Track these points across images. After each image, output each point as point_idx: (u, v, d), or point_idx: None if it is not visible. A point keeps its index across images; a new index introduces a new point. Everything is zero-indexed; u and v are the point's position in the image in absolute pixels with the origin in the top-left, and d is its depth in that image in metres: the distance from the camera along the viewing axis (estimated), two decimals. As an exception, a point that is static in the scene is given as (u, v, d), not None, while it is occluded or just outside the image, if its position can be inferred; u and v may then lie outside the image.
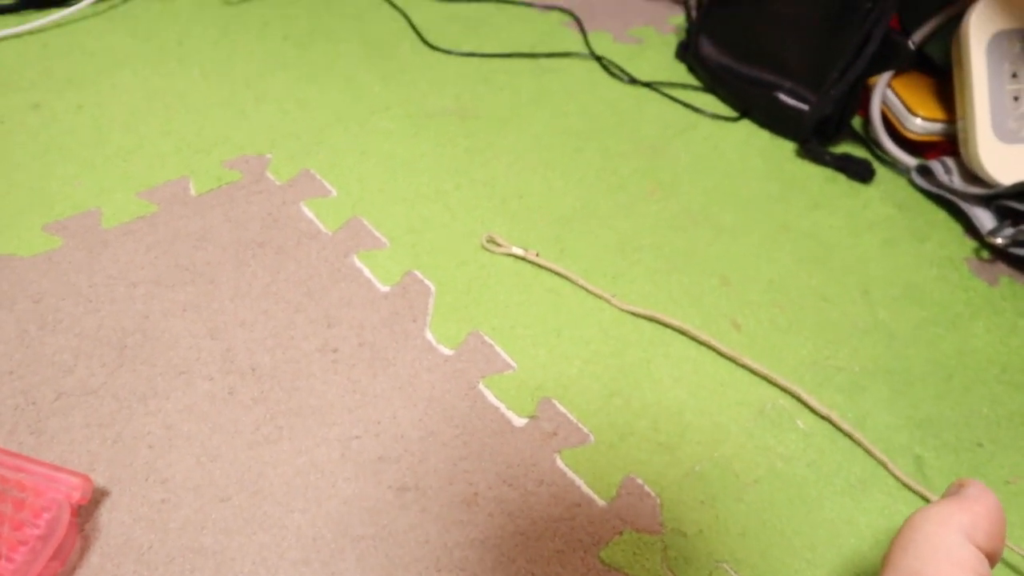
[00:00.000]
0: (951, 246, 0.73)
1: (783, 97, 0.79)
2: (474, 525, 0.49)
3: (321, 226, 0.65)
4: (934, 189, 0.76)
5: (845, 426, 0.57)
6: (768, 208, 0.73)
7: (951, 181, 0.75)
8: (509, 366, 0.58)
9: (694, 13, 0.87)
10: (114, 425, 0.52)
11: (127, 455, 0.50)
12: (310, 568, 0.46)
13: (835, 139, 0.81)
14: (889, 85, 0.80)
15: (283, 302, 0.60)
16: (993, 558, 0.39)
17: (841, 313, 0.65)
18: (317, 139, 0.73)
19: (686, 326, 0.61)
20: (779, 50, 0.79)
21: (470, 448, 0.53)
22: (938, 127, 0.78)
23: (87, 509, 0.47)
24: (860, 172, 0.77)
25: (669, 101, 0.84)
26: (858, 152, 0.81)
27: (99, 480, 0.49)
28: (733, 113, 0.83)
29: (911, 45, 0.71)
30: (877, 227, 0.73)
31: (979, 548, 0.38)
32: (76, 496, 0.46)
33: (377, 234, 0.65)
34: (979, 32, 0.72)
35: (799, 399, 0.58)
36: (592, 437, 0.54)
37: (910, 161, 0.79)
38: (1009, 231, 0.70)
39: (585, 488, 0.52)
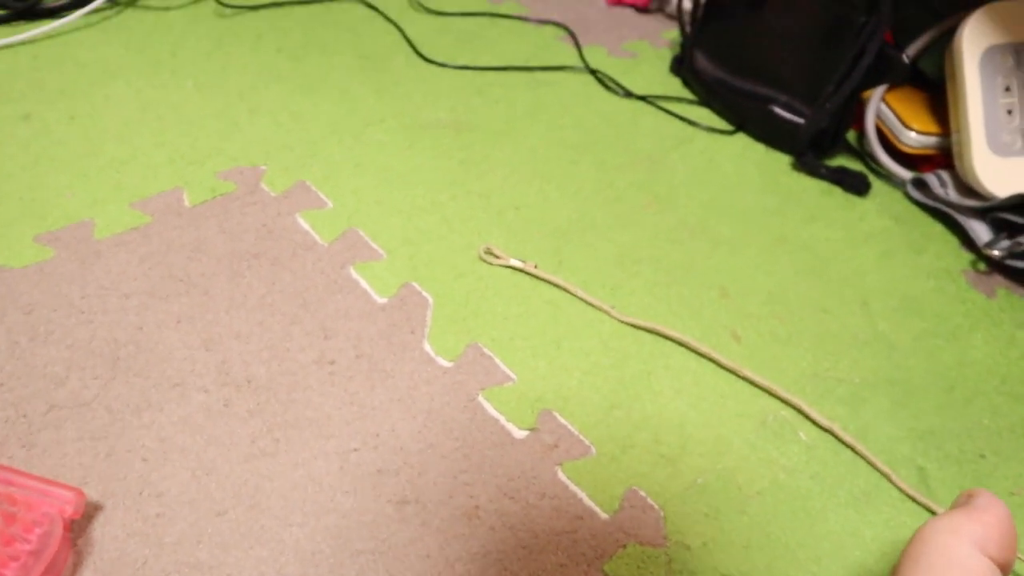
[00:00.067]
0: (948, 258, 0.73)
1: (778, 110, 0.80)
2: (475, 539, 0.48)
3: (317, 237, 0.65)
4: (930, 202, 0.77)
5: (847, 438, 0.56)
6: (765, 220, 0.73)
7: (947, 194, 0.75)
8: (509, 378, 0.57)
9: (688, 27, 0.87)
10: (107, 438, 0.50)
11: (121, 469, 0.49)
12: (309, 583, 0.45)
13: (830, 152, 0.81)
14: (883, 99, 0.80)
15: (279, 314, 0.59)
16: (1005, 569, 0.38)
17: (840, 325, 0.65)
18: (312, 151, 0.73)
19: (686, 338, 0.60)
20: (774, 64, 0.79)
21: (470, 461, 0.52)
22: (932, 140, 0.78)
23: (80, 524, 0.46)
24: (856, 185, 0.77)
25: (664, 114, 0.84)
26: (853, 165, 0.81)
27: (92, 494, 0.48)
28: (728, 126, 0.83)
29: (905, 59, 0.72)
30: (874, 239, 0.73)
31: (991, 559, 0.37)
32: (69, 510, 0.45)
33: (374, 246, 0.65)
34: (972, 46, 0.73)
35: (801, 411, 0.58)
36: (593, 449, 0.54)
37: (905, 174, 0.79)
38: (1005, 243, 0.70)
39: (587, 501, 0.51)
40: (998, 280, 0.71)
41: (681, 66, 0.89)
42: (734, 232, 0.71)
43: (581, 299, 0.63)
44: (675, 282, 0.66)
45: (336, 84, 0.81)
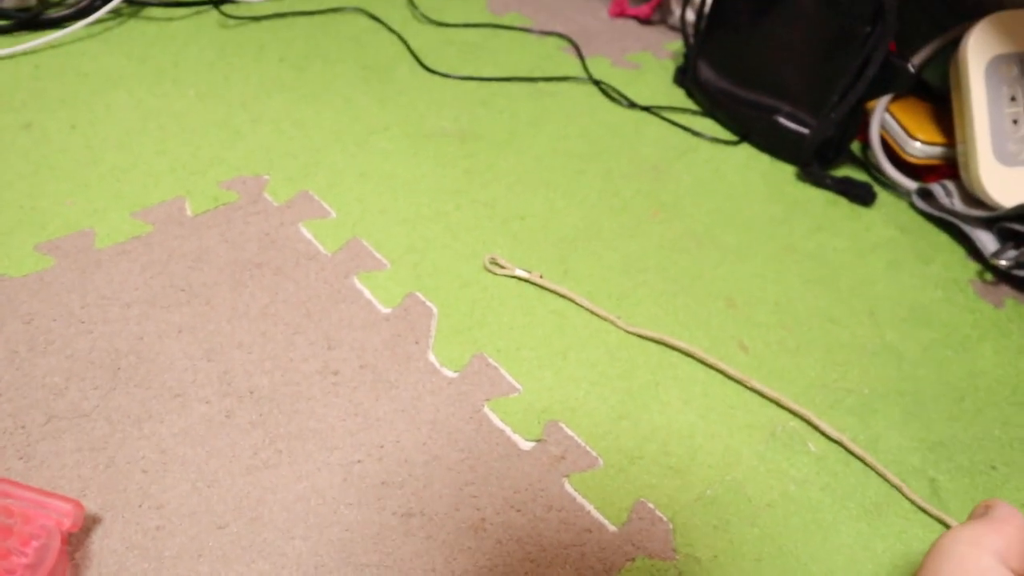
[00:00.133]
0: (955, 268, 0.72)
1: (783, 120, 0.79)
2: (482, 552, 0.48)
3: (320, 247, 0.64)
4: (936, 212, 0.76)
5: (858, 450, 0.55)
6: (771, 230, 0.73)
7: (953, 204, 0.75)
8: (514, 389, 0.56)
9: (692, 38, 0.87)
10: (107, 449, 0.50)
11: (120, 480, 0.48)
12: (312, 597, 0.44)
13: (835, 162, 0.81)
14: (887, 110, 0.80)
15: (282, 324, 0.58)
16: (1026, 581, 0.38)
17: (849, 335, 0.64)
18: (315, 160, 0.72)
19: (693, 348, 0.60)
20: (778, 74, 0.79)
21: (476, 472, 0.51)
22: (937, 151, 0.78)
23: (78, 537, 0.45)
24: (862, 195, 0.77)
25: (669, 124, 0.83)
26: (858, 175, 0.81)
27: (91, 506, 0.47)
28: (733, 137, 0.83)
29: (911, 68, 0.72)
30: (881, 249, 0.73)
31: (1012, 571, 0.37)
32: (67, 523, 0.44)
33: (377, 255, 0.64)
34: (977, 56, 0.73)
35: (810, 423, 0.57)
36: (601, 461, 0.53)
37: (910, 184, 0.79)
38: (1012, 253, 0.70)
39: (595, 513, 0.50)
40: (1006, 290, 0.71)
41: (685, 77, 0.88)
42: (740, 241, 0.71)
43: (587, 309, 0.62)
44: (682, 291, 0.65)
45: (339, 94, 0.81)
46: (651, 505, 0.51)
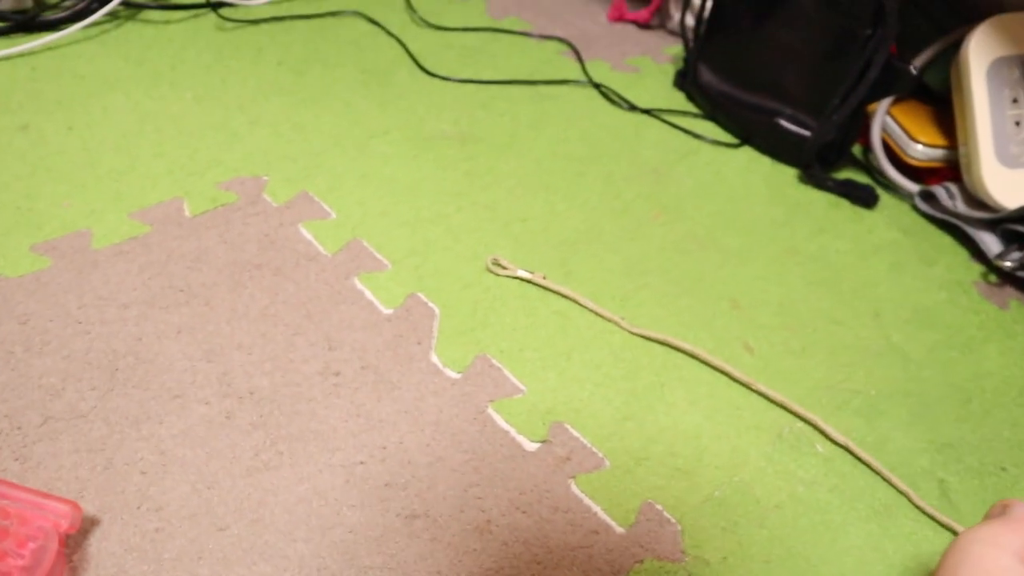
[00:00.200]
0: (959, 270, 0.72)
1: (784, 123, 0.79)
2: (487, 554, 0.47)
3: (320, 248, 0.63)
4: (938, 214, 0.76)
5: (865, 456, 0.55)
6: (774, 232, 0.72)
7: (955, 206, 0.75)
8: (518, 389, 0.56)
9: (692, 42, 0.87)
10: (104, 451, 0.49)
11: (118, 482, 0.47)
12: (315, 600, 0.44)
13: (836, 165, 0.81)
14: (888, 112, 0.80)
15: (282, 324, 0.57)
16: (1045, 579, 0.37)
17: (854, 336, 0.64)
18: (315, 162, 0.72)
19: (698, 350, 0.59)
20: (779, 77, 0.79)
21: (481, 474, 0.50)
22: (939, 153, 0.78)
23: (76, 539, 0.44)
24: (864, 197, 0.77)
25: (669, 127, 0.83)
26: (859, 178, 0.81)
27: (89, 508, 0.46)
28: (734, 139, 0.83)
29: (913, 70, 0.72)
30: (884, 251, 0.72)
31: (1031, 568, 0.36)
32: (64, 524, 0.43)
33: (378, 256, 0.64)
34: (978, 59, 0.73)
35: (816, 427, 0.56)
36: (607, 462, 0.52)
37: (912, 187, 0.79)
38: (1016, 255, 0.69)
39: (602, 514, 0.49)
40: (1010, 292, 0.71)
41: (685, 80, 0.88)
42: (743, 243, 0.71)
43: (590, 310, 0.62)
44: (685, 293, 0.65)
45: (338, 97, 0.80)
46: (659, 506, 0.50)
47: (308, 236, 0.64)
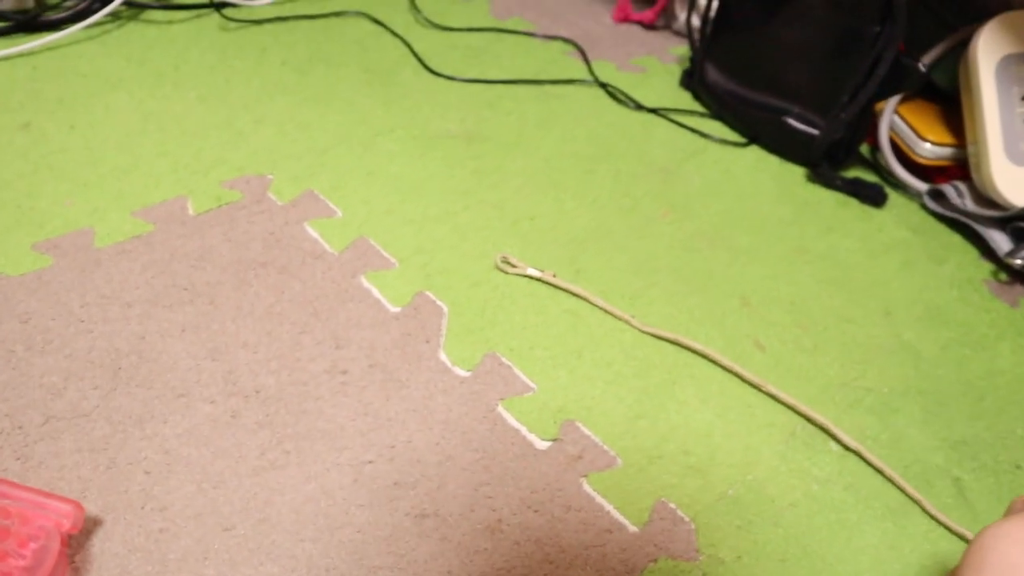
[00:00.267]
0: (969, 268, 0.71)
1: (792, 122, 0.79)
2: (499, 554, 0.46)
3: (326, 246, 0.63)
4: (948, 212, 0.75)
5: (877, 462, 0.53)
6: (783, 231, 0.72)
7: (965, 204, 0.74)
8: (529, 388, 0.55)
9: (698, 41, 0.86)
10: (107, 450, 0.48)
11: (122, 481, 0.46)
12: (325, 601, 0.43)
13: (844, 164, 0.80)
14: (896, 111, 0.80)
15: (288, 323, 0.57)
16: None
17: (865, 334, 0.63)
18: (320, 160, 0.71)
19: (710, 350, 0.58)
20: (787, 75, 0.79)
21: (491, 473, 0.50)
22: (947, 151, 0.77)
23: (78, 539, 0.44)
24: (873, 196, 0.76)
25: (677, 127, 0.83)
26: (867, 177, 0.80)
27: (91, 508, 0.45)
28: (741, 139, 0.82)
29: (922, 68, 0.71)
30: (894, 250, 0.72)
31: (1058, 563, 0.35)
32: (66, 524, 0.42)
33: (385, 254, 0.63)
34: (987, 56, 0.72)
35: (828, 432, 0.55)
36: (619, 460, 0.51)
37: (920, 186, 0.78)
38: (1027, 253, 0.69)
39: (615, 513, 0.48)
40: (1020, 290, 0.70)
41: (691, 80, 0.88)
42: (752, 242, 0.70)
43: (601, 308, 0.61)
44: (695, 291, 0.64)
45: (343, 96, 0.80)
46: (672, 505, 0.49)
47: (314, 234, 0.64)
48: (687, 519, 0.49)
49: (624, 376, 0.56)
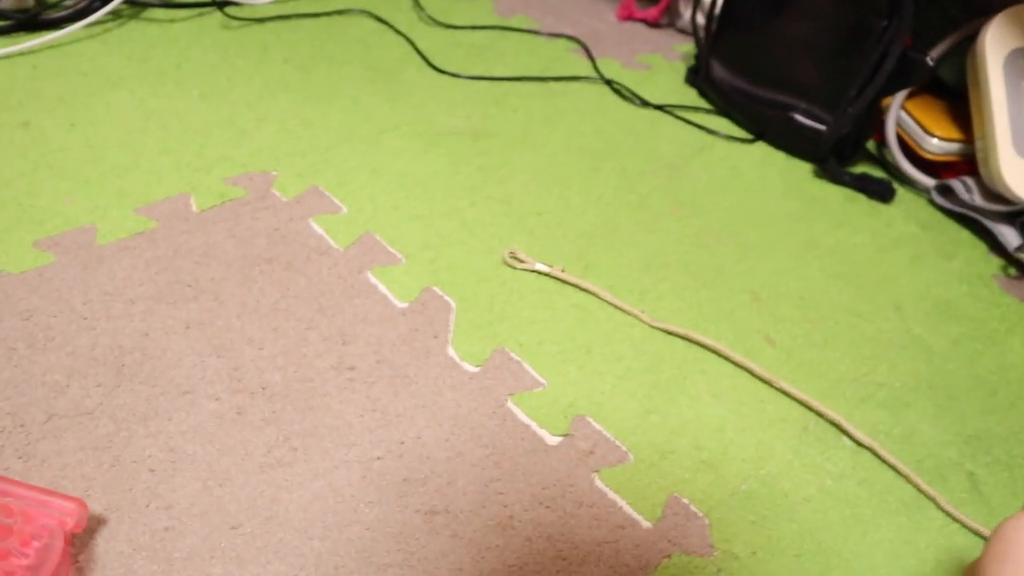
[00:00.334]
0: (978, 263, 0.71)
1: (799, 117, 0.78)
2: (511, 550, 0.45)
3: (332, 242, 0.62)
4: (956, 208, 0.75)
5: (890, 458, 0.53)
6: (791, 226, 0.71)
7: (973, 199, 0.74)
8: (538, 383, 0.54)
9: (703, 38, 0.86)
10: (111, 448, 0.47)
11: (126, 480, 0.46)
12: (335, 598, 0.42)
13: (851, 160, 0.80)
14: (902, 107, 0.79)
15: (294, 319, 0.56)
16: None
17: (876, 329, 0.62)
18: (324, 157, 0.70)
19: (720, 346, 0.58)
20: (793, 71, 0.78)
21: (502, 468, 0.49)
22: (955, 147, 0.77)
23: (82, 538, 0.43)
24: (881, 192, 0.76)
25: (683, 123, 0.82)
26: (874, 174, 0.79)
27: (95, 507, 0.44)
28: (748, 135, 0.82)
29: (930, 61, 0.71)
30: (903, 245, 0.71)
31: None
32: (70, 523, 0.41)
33: (392, 250, 0.62)
34: (995, 50, 0.72)
35: (840, 428, 0.55)
36: (631, 455, 0.51)
37: (928, 181, 0.77)
38: (1037, 247, 0.68)
39: (628, 509, 0.48)
40: (1031, 285, 0.70)
41: (697, 77, 0.87)
42: (761, 237, 0.69)
43: (610, 304, 0.60)
44: (705, 286, 0.63)
45: (347, 94, 0.79)
46: (685, 500, 0.49)
47: (319, 230, 0.63)
48: (700, 514, 0.48)
49: (634, 371, 0.56)
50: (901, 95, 0.78)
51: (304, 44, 0.86)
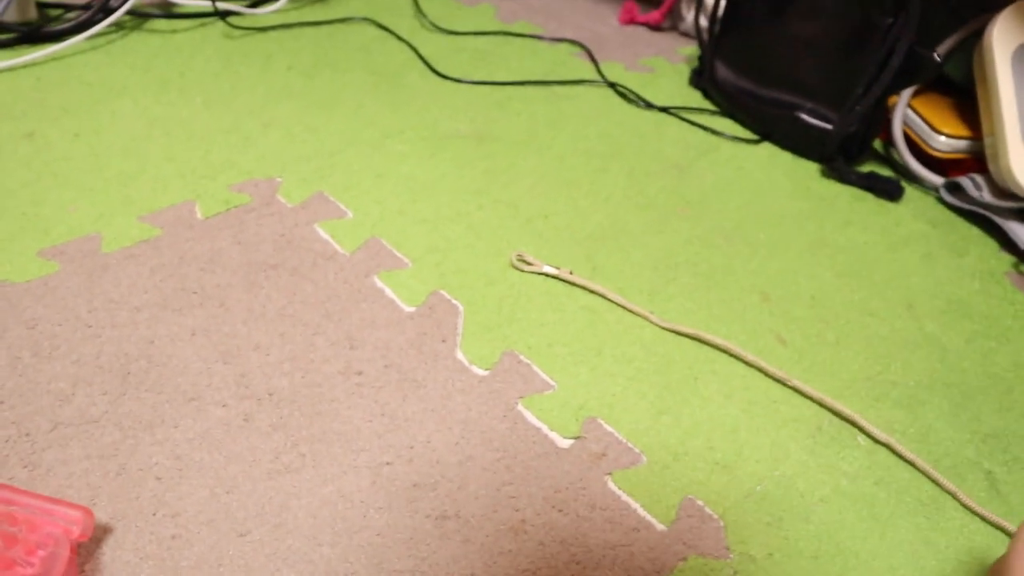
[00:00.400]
0: (990, 260, 0.70)
1: (805, 117, 0.78)
2: (523, 555, 0.44)
3: (338, 247, 0.62)
4: (966, 205, 0.74)
5: (908, 454, 0.52)
6: (801, 225, 0.71)
7: (983, 196, 0.73)
8: (549, 385, 0.53)
9: (707, 40, 0.85)
10: (117, 456, 0.46)
11: (132, 488, 0.45)
12: (345, 605, 0.41)
13: (858, 159, 0.79)
14: (909, 105, 0.79)
15: (300, 324, 0.55)
16: None
17: (889, 327, 0.62)
18: (329, 162, 0.70)
19: (731, 345, 0.57)
20: (798, 71, 0.78)
21: (513, 472, 0.48)
22: (963, 144, 0.76)
23: (88, 547, 0.42)
24: (889, 190, 0.75)
25: (688, 125, 0.82)
26: (881, 172, 0.79)
27: (101, 516, 0.44)
28: (753, 136, 0.81)
29: (937, 58, 0.70)
30: (913, 243, 0.71)
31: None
32: (76, 531, 0.41)
33: (398, 254, 0.62)
34: (1002, 45, 0.71)
35: (857, 425, 0.54)
36: (644, 457, 0.50)
37: (936, 179, 0.77)
38: (1050, 243, 0.68)
39: (642, 511, 0.47)
40: (1044, 282, 0.69)
41: (701, 78, 0.87)
42: (769, 237, 0.69)
43: (619, 305, 0.60)
44: (714, 286, 0.63)
45: (350, 100, 0.79)
46: (700, 502, 0.48)
47: (325, 236, 0.62)
48: (715, 516, 0.47)
49: (645, 372, 0.55)
50: (908, 93, 0.78)
51: (307, 52, 0.86)
